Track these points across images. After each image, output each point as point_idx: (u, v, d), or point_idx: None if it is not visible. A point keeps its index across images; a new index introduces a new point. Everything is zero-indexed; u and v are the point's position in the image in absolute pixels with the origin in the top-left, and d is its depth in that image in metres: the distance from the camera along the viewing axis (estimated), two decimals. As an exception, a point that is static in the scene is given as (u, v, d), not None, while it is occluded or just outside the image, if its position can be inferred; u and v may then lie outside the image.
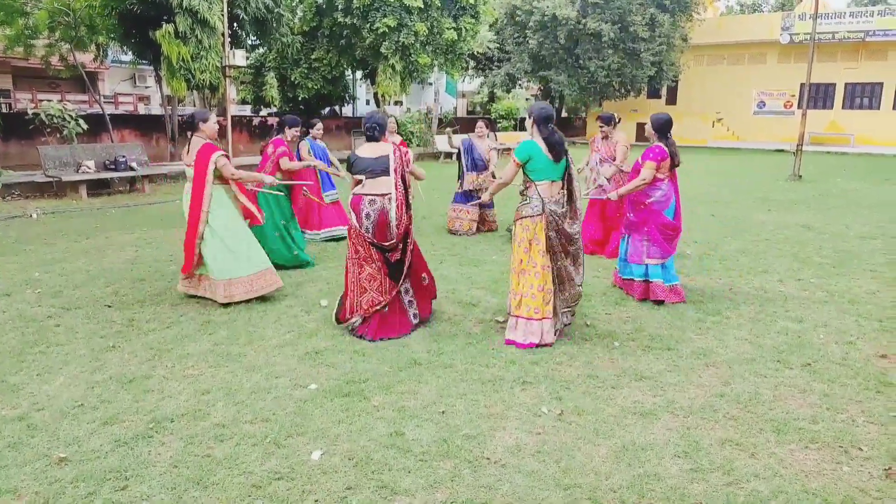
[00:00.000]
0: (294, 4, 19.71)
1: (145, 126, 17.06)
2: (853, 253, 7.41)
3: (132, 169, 11.59)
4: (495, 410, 3.47)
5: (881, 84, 28.49)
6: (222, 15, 12.80)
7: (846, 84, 29.24)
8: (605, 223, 7.28)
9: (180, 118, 15.12)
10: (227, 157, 5.10)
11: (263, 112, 23.36)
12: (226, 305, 5.12)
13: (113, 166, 11.44)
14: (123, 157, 11.53)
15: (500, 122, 25.61)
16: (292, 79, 20.78)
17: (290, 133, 6.67)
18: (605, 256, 7.03)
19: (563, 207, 4.44)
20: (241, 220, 5.33)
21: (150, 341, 4.44)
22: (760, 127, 31.14)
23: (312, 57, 20.60)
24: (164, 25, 12.10)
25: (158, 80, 16.75)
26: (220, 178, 5.08)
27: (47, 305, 5.21)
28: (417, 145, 23.86)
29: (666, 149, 5.41)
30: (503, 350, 4.33)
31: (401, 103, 32.37)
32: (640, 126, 34.60)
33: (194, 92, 17.44)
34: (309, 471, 2.87)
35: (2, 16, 13.20)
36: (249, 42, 17.77)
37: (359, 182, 4.58)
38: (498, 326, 4.80)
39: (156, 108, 28.03)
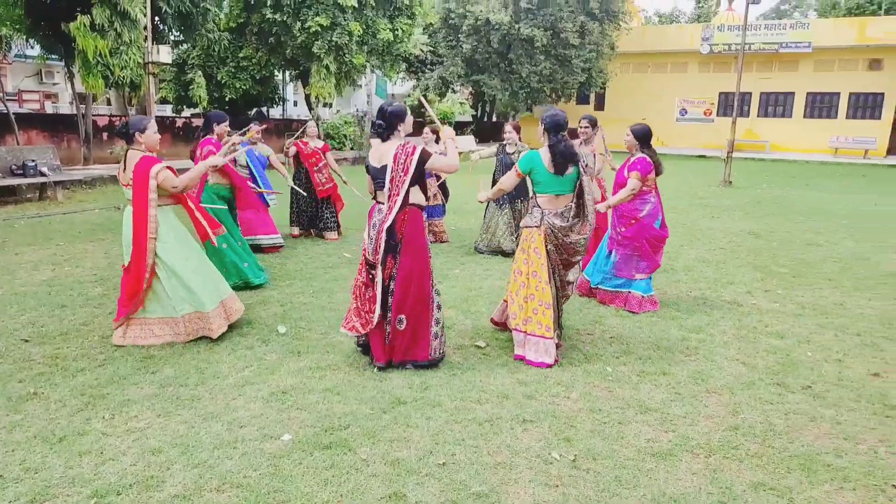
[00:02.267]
0: (215, -1, 18.65)
1: (54, 126, 15.62)
2: (805, 261, 7.50)
3: (43, 175, 10.47)
4: (501, 458, 3.08)
5: (792, 94, 30.13)
6: (144, 7, 11.81)
7: (761, 93, 30.74)
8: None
9: (97, 118, 13.93)
10: (171, 167, 4.42)
11: (186, 112, 22.09)
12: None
13: (20, 171, 10.28)
14: (33, 161, 10.39)
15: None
16: (219, 78, 19.68)
17: (219, 129, 5.90)
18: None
19: (566, 221, 4.16)
20: (195, 244, 4.61)
21: (79, 384, 3.77)
22: (683, 133, 32.31)
23: (240, 55, 19.58)
24: (78, 17, 11.00)
25: (70, 76, 15.42)
26: (167, 195, 4.40)
27: (-53, 341, 4.40)
28: (351, 149, 23.22)
29: (650, 159, 5.26)
30: (491, 382, 3.94)
31: (330, 105, 31.50)
32: (570, 131, 35.28)
33: (111, 90, 16.11)
34: (300, 554, 2.38)
35: None
36: (172, 38, 16.64)
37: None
38: (479, 353, 4.41)
39: (65, 107, 26.04)
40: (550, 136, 4.14)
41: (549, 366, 4.15)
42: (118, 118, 17.34)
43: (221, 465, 2.96)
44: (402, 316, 4.00)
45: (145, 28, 12.05)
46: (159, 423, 3.34)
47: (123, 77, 11.73)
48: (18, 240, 7.77)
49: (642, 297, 5.40)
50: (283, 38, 18.64)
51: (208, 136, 5.83)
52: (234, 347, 4.40)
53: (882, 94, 28.27)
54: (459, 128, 26.80)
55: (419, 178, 3.98)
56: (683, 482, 2.91)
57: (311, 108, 22.05)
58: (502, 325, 4.69)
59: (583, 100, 33.53)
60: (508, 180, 4.37)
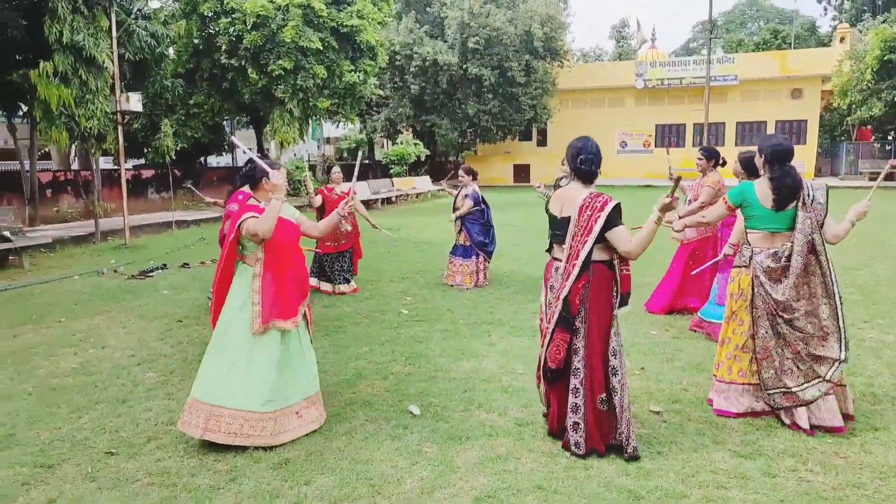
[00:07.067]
0: (167, 43, 17.60)
1: (-11, 184, 14.04)
2: (862, 285, 7.41)
3: (6, 240, 9.17)
4: (823, 562, 2.52)
5: (724, 123, 31.70)
6: (111, 52, 10.80)
7: (694, 124, 32.13)
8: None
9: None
10: (257, 214, 3.57)
11: (128, 164, 20.61)
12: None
13: (-21, 237, 8.96)
14: (-6, 225, 9.10)
15: (392, 168, 24.77)
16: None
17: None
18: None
19: (779, 263, 3.66)
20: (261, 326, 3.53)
21: (225, 511, 2.93)
22: (624, 165, 33.15)
23: (191, 102, 18.51)
24: (41, 64, 9.86)
25: (11, 129, 14.01)
26: (256, 252, 3.60)
27: (8, 464, 3.41)
28: (307, 194, 22.34)
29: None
30: (707, 458, 3.38)
31: (268, 150, 30.47)
32: (517, 168, 35.71)
33: (54, 144, 14.66)
34: None
35: None
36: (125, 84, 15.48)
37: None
38: (660, 420, 3.85)
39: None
40: (773, 167, 3.66)
41: (731, 415, 3.82)
42: (62, 173, 15.87)
43: None
44: (603, 395, 3.39)
45: (112, 76, 11.00)
46: (373, 558, 2.58)
47: (90, 128, 10.59)
48: (7, 319, 6.58)
49: None
50: (239, 83, 17.81)
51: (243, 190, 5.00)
52: (378, 438, 3.64)
53: (805, 120, 30.19)
54: (415, 168, 26.38)
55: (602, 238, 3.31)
56: None
57: (264, 154, 21.12)
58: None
59: (525, 136, 34.05)
60: (715, 212, 3.91)
